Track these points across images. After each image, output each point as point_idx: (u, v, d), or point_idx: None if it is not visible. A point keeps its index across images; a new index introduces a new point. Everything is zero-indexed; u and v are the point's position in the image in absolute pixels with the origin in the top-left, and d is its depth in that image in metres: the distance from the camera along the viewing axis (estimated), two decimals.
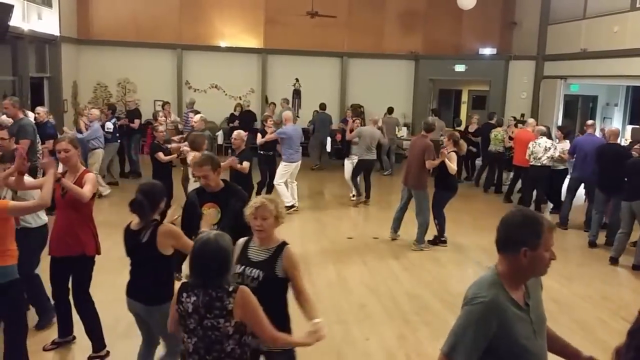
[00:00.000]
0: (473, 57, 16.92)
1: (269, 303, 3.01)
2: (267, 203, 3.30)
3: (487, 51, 16.84)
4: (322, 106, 15.18)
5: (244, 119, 14.75)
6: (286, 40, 16.68)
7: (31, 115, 8.81)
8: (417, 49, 17.35)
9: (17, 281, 4.06)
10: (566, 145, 10.26)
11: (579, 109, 17.00)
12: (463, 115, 17.90)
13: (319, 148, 15.03)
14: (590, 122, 10.09)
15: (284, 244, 3.37)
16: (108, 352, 4.75)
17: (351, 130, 11.04)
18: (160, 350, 4.03)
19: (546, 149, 10.08)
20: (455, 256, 8.01)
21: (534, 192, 10.67)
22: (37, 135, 8.12)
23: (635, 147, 8.13)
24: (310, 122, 15.53)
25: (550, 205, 10.90)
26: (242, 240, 3.44)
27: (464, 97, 19.42)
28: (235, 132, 8.09)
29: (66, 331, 4.85)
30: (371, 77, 17.20)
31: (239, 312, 2.80)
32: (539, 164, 10.12)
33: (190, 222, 4.23)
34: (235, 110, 15.35)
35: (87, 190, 4.33)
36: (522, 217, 2.37)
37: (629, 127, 12.11)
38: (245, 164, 7.62)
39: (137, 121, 12.68)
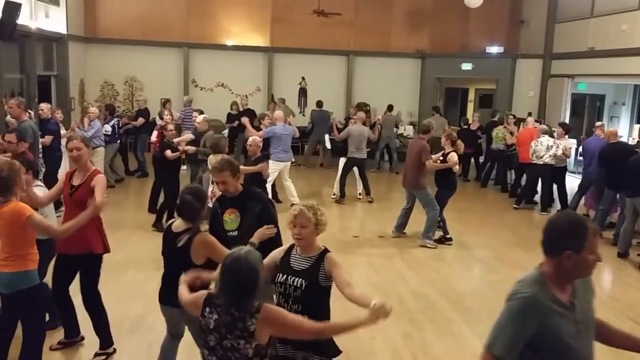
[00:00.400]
0: (480, 56, 16.86)
1: (311, 311, 3.04)
2: (306, 211, 3.21)
3: (494, 49, 16.78)
4: (319, 104, 15.20)
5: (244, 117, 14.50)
6: (292, 39, 16.67)
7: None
8: (423, 47, 17.30)
9: (38, 286, 4.05)
10: (567, 142, 10.38)
11: (586, 108, 16.92)
12: (469, 114, 17.82)
13: (315, 146, 14.99)
14: (598, 123, 10.11)
15: (325, 251, 3.31)
16: (115, 350, 4.76)
17: (339, 131, 11.22)
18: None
19: (548, 147, 10.12)
20: (460, 255, 7.99)
21: (539, 191, 10.69)
22: (38, 136, 8.06)
23: None
24: (310, 121, 15.48)
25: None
26: (283, 248, 3.40)
27: (471, 96, 19.35)
28: (251, 139, 7.96)
29: (72, 332, 4.84)
30: (377, 75, 17.16)
31: (265, 331, 2.68)
32: (541, 163, 10.17)
33: (217, 232, 4.02)
34: (232, 109, 14.73)
35: (99, 196, 4.30)
36: (567, 221, 2.39)
37: (637, 126, 12.03)
38: (261, 166, 7.62)
39: (140, 119, 12.68)
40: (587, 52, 14.00)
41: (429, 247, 8.16)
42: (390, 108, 14.98)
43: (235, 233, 4.04)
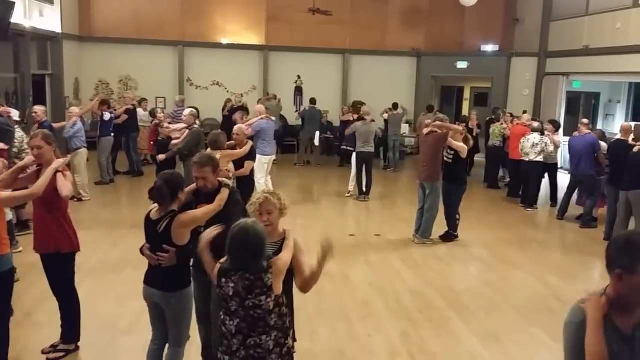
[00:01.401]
0: (475, 54, 16.90)
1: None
2: (270, 197, 3.41)
3: (490, 48, 16.83)
4: (312, 101, 15.21)
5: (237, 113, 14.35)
6: (288, 37, 16.67)
7: (15, 114, 8.54)
8: (419, 45, 17.33)
9: (11, 269, 4.12)
10: (557, 138, 10.58)
11: (582, 106, 16.97)
12: (465, 112, 17.85)
13: (307, 144, 15.00)
14: (585, 120, 10.15)
15: (287, 234, 3.47)
16: (77, 347, 4.69)
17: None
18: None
19: (534, 145, 10.29)
20: (458, 253, 7.99)
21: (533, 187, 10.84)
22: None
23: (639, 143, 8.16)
24: (299, 116, 15.43)
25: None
26: None
27: (466, 94, 19.42)
28: (237, 127, 7.73)
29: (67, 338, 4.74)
30: (373, 74, 17.17)
31: (279, 281, 3.03)
32: (527, 159, 10.39)
33: None
34: (225, 110, 14.53)
35: (68, 185, 4.35)
36: (625, 240, 2.24)
37: (632, 124, 12.06)
38: (248, 164, 7.42)
39: (123, 116, 12.19)
40: (582, 50, 14.04)
41: (426, 244, 8.17)
42: (395, 106, 14.93)
43: (202, 229, 4.01)
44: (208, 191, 4.06)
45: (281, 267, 3.09)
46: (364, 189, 10.96)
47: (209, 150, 7.15)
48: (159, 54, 16.54)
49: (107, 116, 11.22)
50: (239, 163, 7.25)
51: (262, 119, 9.61)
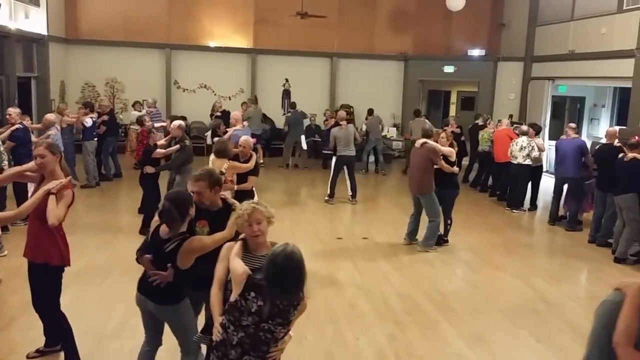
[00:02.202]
0: (462, 59, 17.01)
1: None
2: (257, 206, 3.29)
3: (476, 52, 16.94)
4: (292, 105, 15.34)
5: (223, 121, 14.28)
6: (276, 40, 16.68)
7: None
8: (406, 49, 17.41)
9: None
10: (539, 141, 10.76)
11: (567, 110, 17.12)
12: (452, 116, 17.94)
13: (292, 148, 15.01)
14: (572, 125, 10.29)
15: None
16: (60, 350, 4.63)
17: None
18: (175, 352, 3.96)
19: (522, 148, 10.49)
20: (444, 256, 8.03)
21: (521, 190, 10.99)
22: None
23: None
24: (285, 123, 15.47)
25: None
26: (236, 251, 3.31)
27: (453, 98, 19.52)
28: (243, 139, 7.48)
29: (52, 341, 4.69)
30: (361, 77, 17.23)
31: (296, 319, 3.08)
32: (516, 162, 10.60)
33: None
34: (212, 117, 14.36)
35: (58, 216, 4.08)
36: None
37: (617, 128, 12.22)
38: (251, 179, 7.14)
39: (102, 127, 11.93)
40: (567, 54, 14.18)
41: (431, 252, 8.13)
42: (370, 112, 15.04)
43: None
44: (208, 209, 3.94)
45: (304, 306, 3.11)
46: (350, 192, 11.05)
47: (212, 157, 7.14)
48: (146, 57, 16.46)
49: (88, 122, 11.09)
50: (241, 176, 7.15)
51: (236, 128, 9.71)
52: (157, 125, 9.77)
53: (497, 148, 11.53)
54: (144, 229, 8.31)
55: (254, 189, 7.23)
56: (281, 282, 2.89)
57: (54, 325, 4.53)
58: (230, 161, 6.96)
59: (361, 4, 16.99)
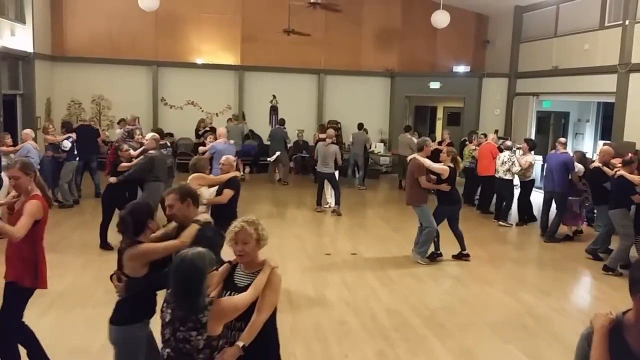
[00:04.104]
0: (447, 75, 17.18)
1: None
2: (247, 227, 3.15)
3: (461, 69, 17.12)
4: (281, 122, 15.44)
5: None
6: (263, 57, 16.75)
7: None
8: (393, 66, 17.56)
9: None
10: (530, 157, 10.90)
11: (552, 125, 17.32)
12: (439, 132, 18.08)
13: (274, 164, 15.02)
14: (562, 140, 10.39)
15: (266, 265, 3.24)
16: None
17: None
18: None
19: (503, 163, 10.83)
20: (433, 271, 8.02)
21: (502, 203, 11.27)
22: None
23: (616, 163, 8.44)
24: (269, 137, 15.51)
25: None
26: (227, 265, 3.32)
27: (439, 114, 19.66)
28: (224, 158, 7.40)
29: None
30: (348, 93, 17.34)
31: (218, 323, 2.90)
32: (498, 176, 10.97)
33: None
34: (198, 136, 14.43)
35: (18, 228, 3.99)
36: None
37: (601, 142, 12.40)
38: (227, 192, 6.81)
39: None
40: (551, 70, 14.37)
41: (420, 263, 8.18)
42: (359, 126, 15.10)
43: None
44: (183, 224, 3.80)
45: (226, 308, 2.94)
46: (332, 200, 11.60)
47: (191, 175, 7.02)
48: (133, 74, 16.43)
49: (66, 145, 10.90)
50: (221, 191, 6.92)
51: (216, 141, 9.81)
52: (130, 143, 9.50)
53: (480, 162, 11.85)
54: (102, 244, 8.34)
55: (236, 206, 6.98)
56: (174, 287, 2.90)
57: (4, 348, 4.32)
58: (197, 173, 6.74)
59: (347, 22, 17.13)
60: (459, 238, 8.49)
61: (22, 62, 13.85)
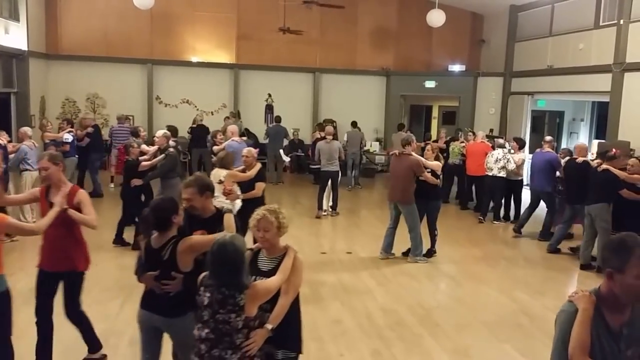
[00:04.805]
0: (443, 74, 17.19)
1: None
2: (268, 215, 3.35)
3: (456, 68, 17.13)
4: (277, 119, 15.31)
5: (197, 134, 14.27)
6: (259, 56, 16.73)
7: None
8: (388, 65, 17.57)
9: (6, 292, 4.00)
10: (522, 156, 10.95)
11: (546, 124, 17.34)
12: (434, 131, 18.10)
13: (274, 161, 14.97)
14: (548, 138, 10.43)
15: (289, 250, 3.46)
16: (105, 356, 4.82)
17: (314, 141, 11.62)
18: None
19: (497, 160, 10.68)
20: (428, 270, 8.04)
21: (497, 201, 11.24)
22: None
23: (597, 161, 8.40)
24: (265, 135, 15.47)
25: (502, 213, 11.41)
26: (249, 252, 3.41)
27: (435, 113, 19.68)
28: (246, 150, 7.51)
29: (92, 346, 4.85)
30: (343, 92, 17.34)
31: (254, 305, 3.03)
32: (491, 174, 10.78)
33: None
34: (190, 131, 14.48)
35: (91, 216, 4.39)
36: (618, 242, 2.36)
37: (595, 142, 12.42)
38: (259, 185, 7.14)
39: (85, 139, 11.95)
40: (546, 70, 14.40)
41: (421, 263, 8.19)
42: (354, 124, 15.08)
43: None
44: (201, 216, 3.93)
45: (260, 291, 3.09)
46: (331, 203, 11.26)
47: (215, 169, 7.18)
48: (128, 72, 16.39)
49: (68, 138, 10.94)
50: (249, 185, 7.12)
51: (233, 139, 9.67)
52: (151, 150, 9.50)
53: (470, 161, 11.73)
54: (117, 239, 8.34)
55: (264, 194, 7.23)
56: (216, 271, 3.01)
57: (80, 322, 4.74)
58: (230, 170, 7.03)
59: (343, 21, 17.13)
60: (434, 236, 8.51)
61: (16, 60, 13.79)
